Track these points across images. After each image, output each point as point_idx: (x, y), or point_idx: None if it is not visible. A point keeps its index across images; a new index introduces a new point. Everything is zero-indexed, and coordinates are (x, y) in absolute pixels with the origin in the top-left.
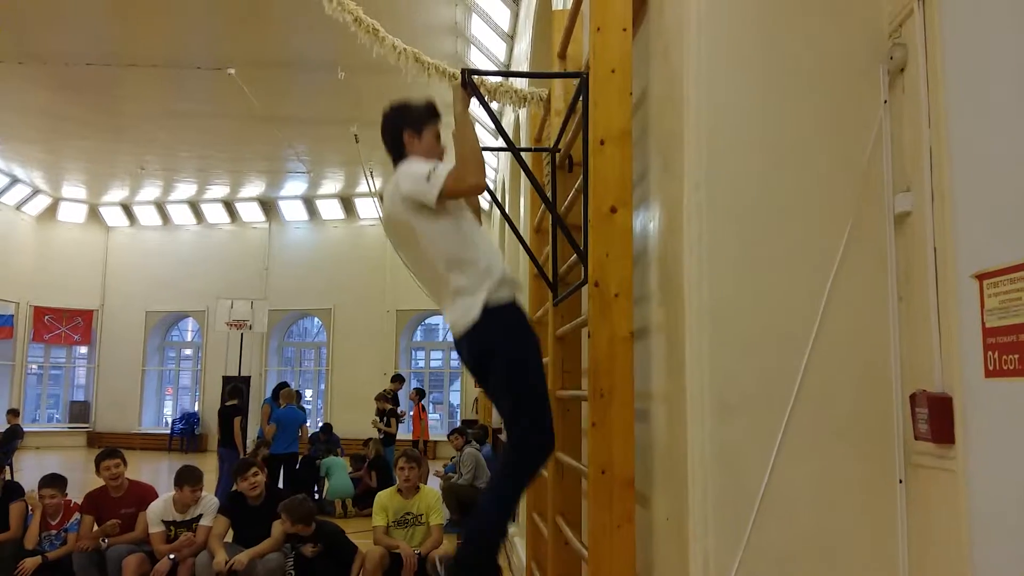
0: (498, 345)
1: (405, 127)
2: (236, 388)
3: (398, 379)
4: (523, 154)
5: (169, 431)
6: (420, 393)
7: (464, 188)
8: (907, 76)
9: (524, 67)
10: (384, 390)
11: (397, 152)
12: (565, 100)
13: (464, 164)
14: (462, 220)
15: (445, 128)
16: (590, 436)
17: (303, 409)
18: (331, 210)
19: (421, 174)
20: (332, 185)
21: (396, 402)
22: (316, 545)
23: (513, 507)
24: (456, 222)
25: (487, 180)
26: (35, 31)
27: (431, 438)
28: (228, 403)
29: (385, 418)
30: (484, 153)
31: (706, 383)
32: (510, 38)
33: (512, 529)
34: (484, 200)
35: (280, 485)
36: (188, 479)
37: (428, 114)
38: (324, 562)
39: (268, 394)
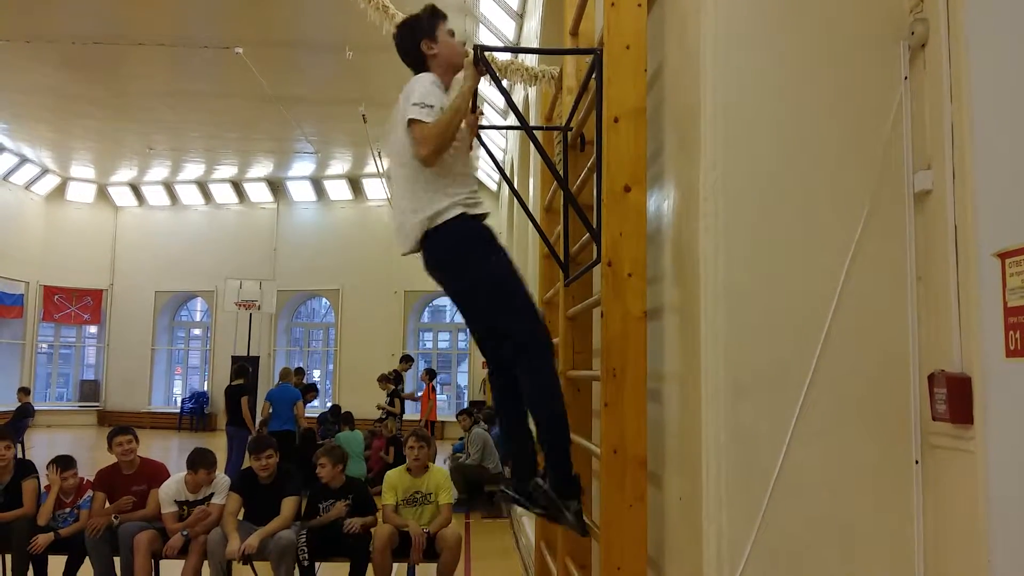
0: (458, 265)
1: (421, 38)
2: (243, 367)
3: (407, 359)
4: (535, 133)
5: (179, 410)
6: (431, 374)
7: (416, 148)
8: (928, 52)
9: (534, 44)
10: (387, 372)
11: (418, 65)
12: (577, 78)
13: (435, 127)
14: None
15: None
16: (603, 416)
17: (303, 386)
18: (339, 191)
19: (426, 92)
20: (340, 165)
21: (400, 381)
22: (347, 500)
23: (564, 420)
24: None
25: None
26: (42, 9)
27: (438, 419)
28: (234, 383)
29: (390, 398)
30: (494, 133)
31: (721, 363)
32: (519, 17)
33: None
34: (492, 180)
35: None
36: (203, 462)
37: (433, 17)
38: (350, 518)
39: (276, 374)
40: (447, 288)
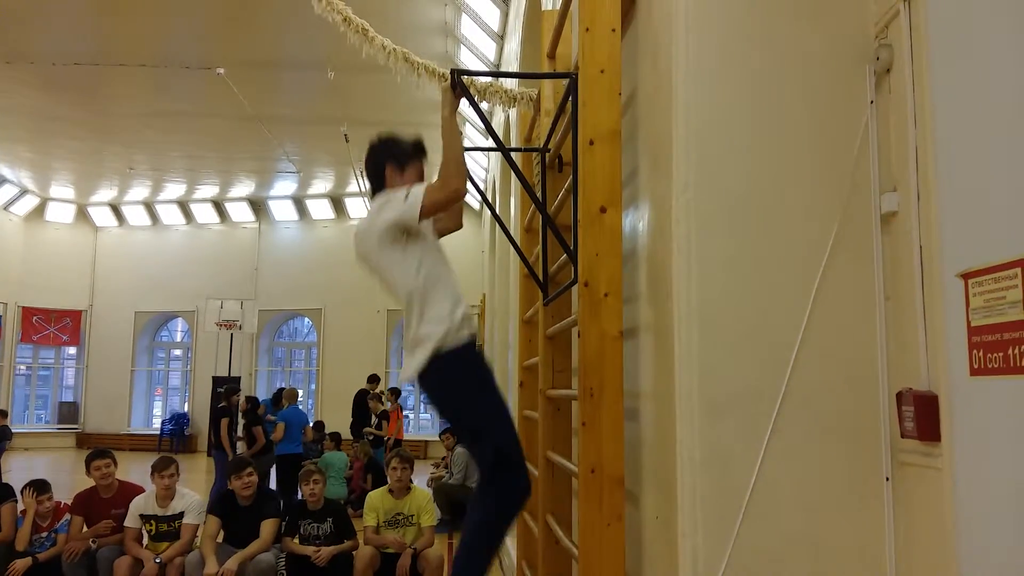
0: (453, 393)
1: (388, 160)
2: (230, 389)
3: (374, 379)
4: (513, 154)
5: (159, 432)
6: (396, 392)
7: (447, 193)
8: (893, 76)
9: (514, 67)
10: (377, 391)
11: (377, 184)
12: (555, 100)
13: (447, 168)
14: (429, 253)
15: (430, 167)
16: (580, 435)
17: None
18: (321, 210)
19: (398, 197)
20: (322, 185)
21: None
22: (323, 521)
23: (491, 561)
24: (424, 257)
25: (467, 185)
26: (22, 30)
27: (410, 438)
28: (220, 405)
29: (377, 421)
30: (476, 153)
31: (695, 383)
32: (500, 38)
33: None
34: (474, 200)
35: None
36: (158, 465)
37: (414, 151)
38: (331, 541)
39: (259, 395)
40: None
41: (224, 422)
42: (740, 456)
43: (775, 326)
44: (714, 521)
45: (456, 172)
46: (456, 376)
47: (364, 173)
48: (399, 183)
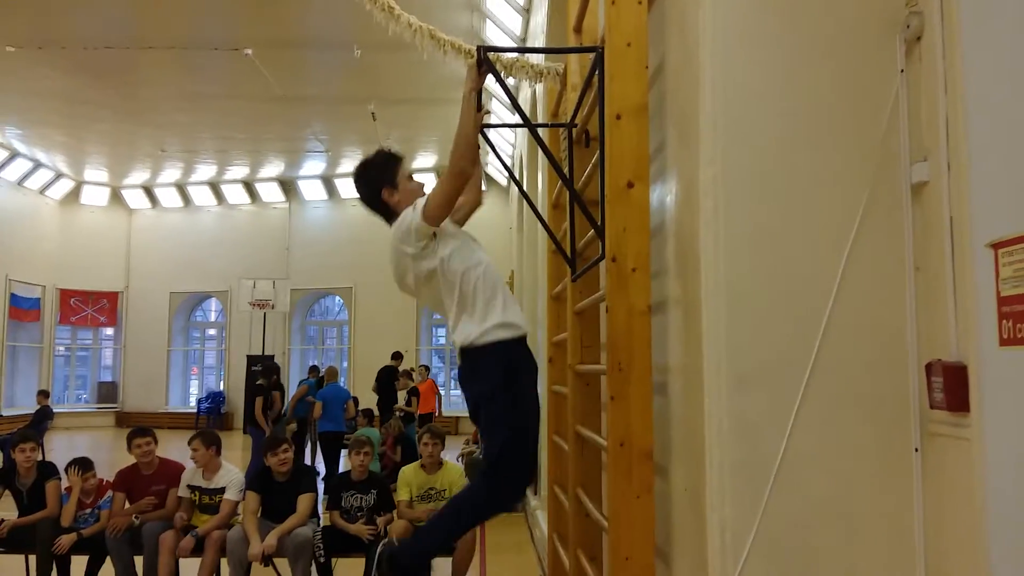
0: (488, 387)
1: (381, 187)
2: (268, 368)
3: (398, 356)
4: (541, 130)
5: (195, 410)
6: (427, 368)
7: (451, 183)
8: (924, 45)
9: (540, 40)
10: (408, 368)
11: (386, 213)
12: (581, 74)
13: (455, 146)
14: (458, 249)
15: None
16: (609, 409)
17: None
18: (350, 189)
19: (406, 222)
20: (351, 163)
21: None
22: (367, 493)
23: (458, 536)
24: (452, 255)
25: (477, 162)
26: (54, 15)
27: (454, 414)
28: (257, 383)
29: (408, 397)
30: (503, 129)
31: (723, 356)
32: (526, 11)
33: (534, 502)
34: (502, 176)
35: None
36: (197, 436)
37: (389, 162)
38: (367, 516)
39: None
40: (469, 400)
41: (258, 400)
42: (769, 428)
43: (804, 299)
44: (742, 493)
45: (463, 150)
46: (511, 368)
47: (371, 210)
48: (399, 198)
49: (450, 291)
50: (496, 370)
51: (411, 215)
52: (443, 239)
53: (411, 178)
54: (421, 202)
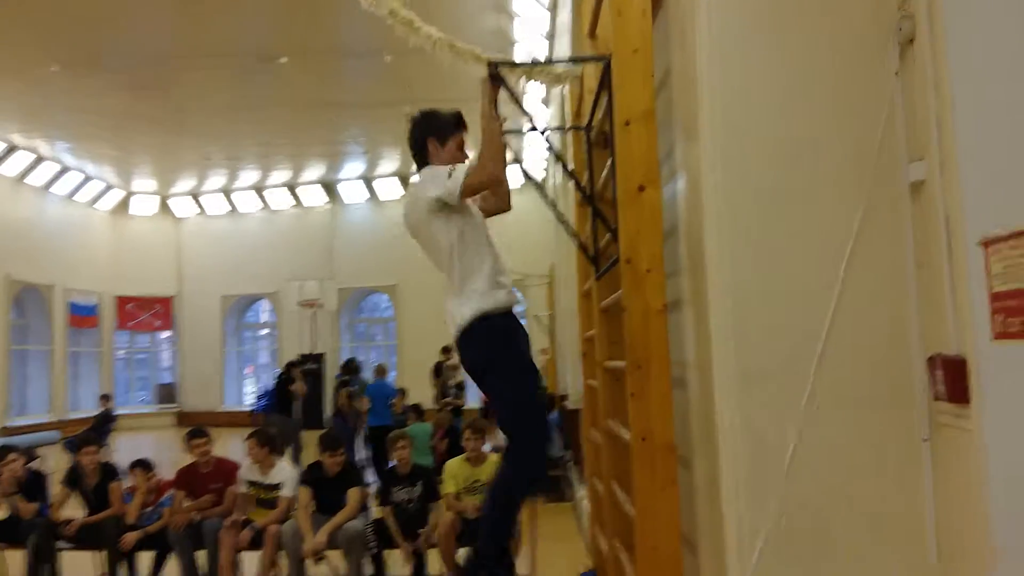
0: (487, 357)
1: (429, 135)
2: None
3: (447, 350)
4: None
5: (251, 408)
6: None
7: (484, 178)
8: (916, 47)
9: (566, 38)
10: (456, 362)
11: (420, 159)
12: (597, 78)
13: (483, 155)
14: (472, 227)
15: (471, 138)
16: (630, 405)
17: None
18: (390, 189)
19: (442, 173)
20: (389, 164)
21: (439, 374)
22: (414, 485)
23: (513, 517)
24: (465, 228)
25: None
26: (101, 32)
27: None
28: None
29: (455, 390)
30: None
31: (731, 353)
32: (552, 9)
33: (581, 492)
34: (540, 170)
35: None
36: (252, 435)
37: (453, 124)
38: (418, 506)
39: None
40: (472, 372)
41: (342, 392)
42: (778, 422)
43: (808, 296)
44: (756, 485)
45: (492, 160)
46: (493, 339)
47: (409, 147)
48: (441, 157)
49: (449, 260)
50: (504, 337)
51: (450, 172)
52: (466, 214)
53: (461, 148)
54: (463, 169)
